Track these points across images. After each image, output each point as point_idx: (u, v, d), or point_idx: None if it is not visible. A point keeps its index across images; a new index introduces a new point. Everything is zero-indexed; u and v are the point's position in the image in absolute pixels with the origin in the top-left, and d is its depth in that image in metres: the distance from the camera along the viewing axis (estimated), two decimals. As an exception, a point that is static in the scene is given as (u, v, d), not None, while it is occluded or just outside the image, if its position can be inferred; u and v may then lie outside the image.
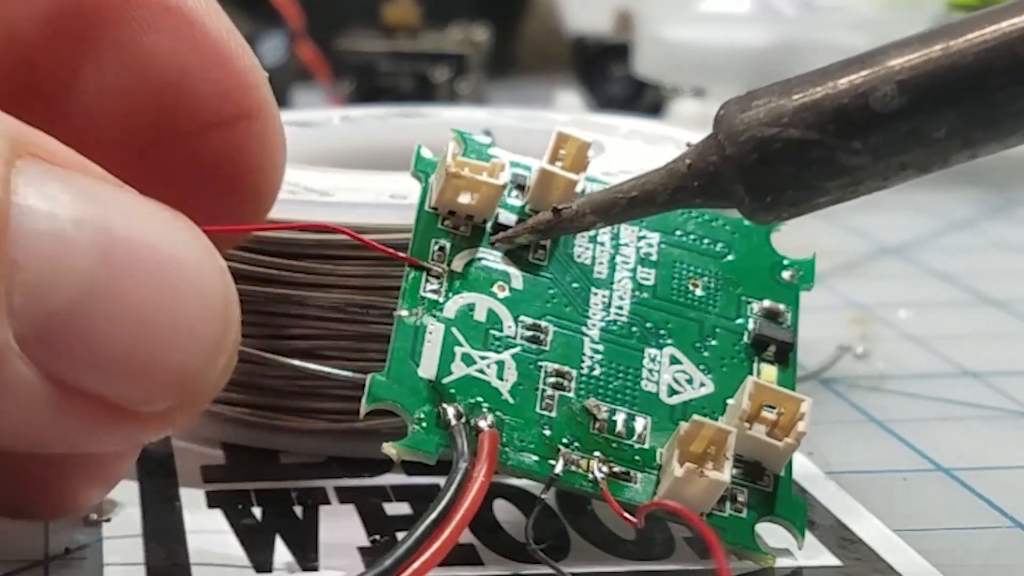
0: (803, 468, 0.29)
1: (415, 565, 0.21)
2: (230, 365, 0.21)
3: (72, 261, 0.19)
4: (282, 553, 0.25)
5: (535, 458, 0.24)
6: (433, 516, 0.22)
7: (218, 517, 0.26)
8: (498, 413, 0.24)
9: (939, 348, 0.36)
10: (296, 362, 0.28)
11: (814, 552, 0.25)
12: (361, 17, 0.66)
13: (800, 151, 0.21)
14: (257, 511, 0.27)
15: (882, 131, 0.21)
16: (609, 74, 0.64)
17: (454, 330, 0.24)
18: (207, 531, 0.26)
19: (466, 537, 0.25)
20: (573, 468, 0.24)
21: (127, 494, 0.27)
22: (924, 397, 0.33)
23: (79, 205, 0.20)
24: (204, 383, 0.21)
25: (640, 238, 0.27)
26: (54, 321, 0.19)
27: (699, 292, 0.26)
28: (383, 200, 0.29)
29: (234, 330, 0.21)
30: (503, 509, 0.26)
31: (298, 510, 0.27)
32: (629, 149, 0.34)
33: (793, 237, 0.31)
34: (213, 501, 0.27)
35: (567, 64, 0.70)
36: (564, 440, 0.24)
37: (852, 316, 0.39)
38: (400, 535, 0.25)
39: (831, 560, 0.25)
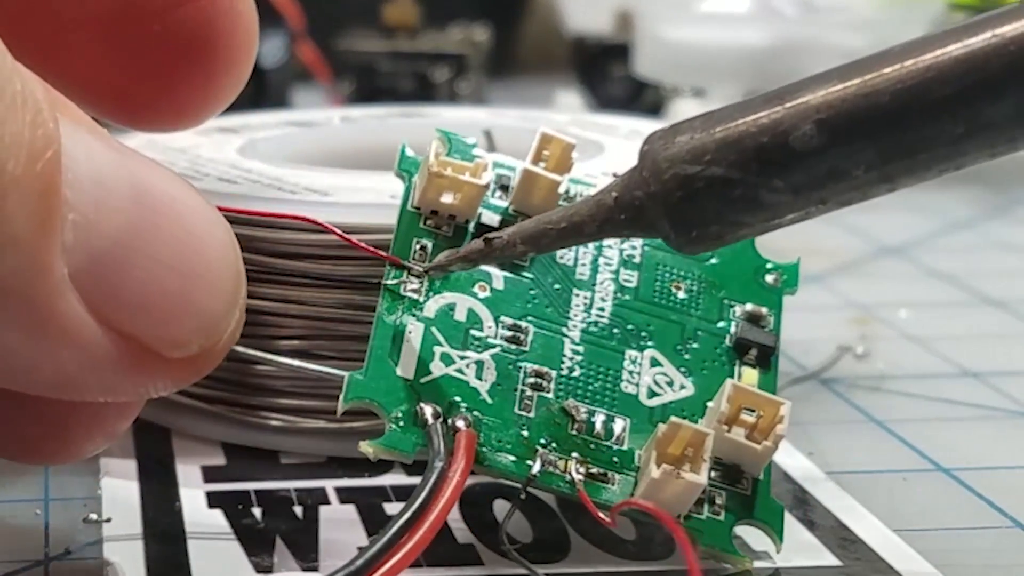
0: (803, 468, 0.29)
1: (388, 565, 0.21)
2: (241, 320, 0.22)
3: (113, 203, 0.20)
4: (282, 553, 0.25)
5: (512, 458, 0.24)
6: (407, 516, 0.22)
7: (218, 517, 0.26)
8: (476, 413, 0.24)
9: (939, 348, 0.36)
10: (295, 362, 0.28)
11: (814, 552, 0.25)
12: (361, 17, 0.66)
13: (722, 189, 0.21)
14: (257, 511, 0.27)
15: (802, 170, 0.21)
16: (609, 74, 0.64)
17: (434, 330, 0.24)
18: (207, 531, 0.26)
19: (466, 537, 0.25)
20: (551, 469, 0.24)
21: (127, 494, 0.27)
22: (924, 397, 0.33)
23: (112, 155, 0.21)
24: (224, 331, 0.22)
25: (624, 240, 0.27)
26: (101, 259, 0.20)
27: (681, 295, 0.26)
28: (383, 200, 0.29)
29: (244, 284, 0.22)
30: (503, 509, 0.26)
31: (298, 510, 0.27)
32: (629, 149, 0.34)
33: (793, 236, 0.31)
34: (213, 501, 0.27)
35: (567, 64, 0.70)
36: (542, 441, 0.24)
37: (852, 316, 0.39)
38: (400, 535, 0.25)
39: (831, 560, 0.25)
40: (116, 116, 0.25)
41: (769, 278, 0.27)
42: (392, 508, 0.27)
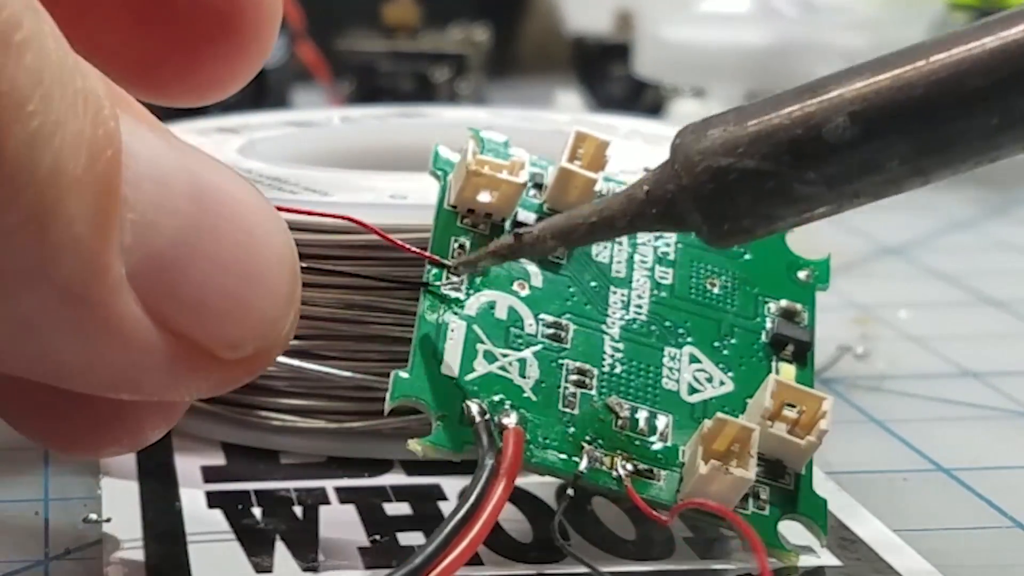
0: (803, 468, 0.29)
1: (445, 562, 0.21)
2: (296, 321, 0.22)
3: (171, 203, 0.20)
4: (282, 553, 0.25)
5: (560, 455, 0.24)
6: (461, 513, 0.22)
7: (218, 517, 0.26)
8: (521, 411, 0.24)
9: (939, 348, 0.36)
10: (296, 362, 0.28)
11: (814, 552, 0.25)
12: (361, 17, 0.66)
13: (755, 181, 0.21)
14: (257, 511, 0.27)
15: (835, 162, 0.21)
16: (609, 74, 0.64)
17: (476, 327, 0.25)
18: (207, 531, 0.26)
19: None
20: (597, 466, 0.24)
21: (127, 494, 0.27)
22: (924, 397, 0.33)
23: (171, 154, 0.20)
24: (280, 332, 0.21)
25: (657, 237, 0.27)
26: (158, 260, 0.20)
27: (716, 291, 0.26)
28: (383, 200, 0.29)
29: (299, 286, 0.22)
30: (503, 509, 0.26)
31: (298, 510, 0.27)
32: (629, 149, 0.34)
33: (792, 237, 0.31)
34: (213, 501, 0.27)
35: (567, 64, 0.70)
36: (587, 438, 0.24)
37: (853, 316, 0.39)
38: (400, 535, 0.25)
39: (831, 560, 0.25)
40: (143, 90, 0.25)
41: (801, 274, 0.27)
42: (392, 508, 0.27)
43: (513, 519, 0.26)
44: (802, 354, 0.26)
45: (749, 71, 0.53)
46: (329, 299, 0.28)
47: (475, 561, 0.25)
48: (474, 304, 0.25)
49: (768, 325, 0.26)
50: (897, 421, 0.31)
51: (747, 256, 0.27)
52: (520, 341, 0.25)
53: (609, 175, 0.27)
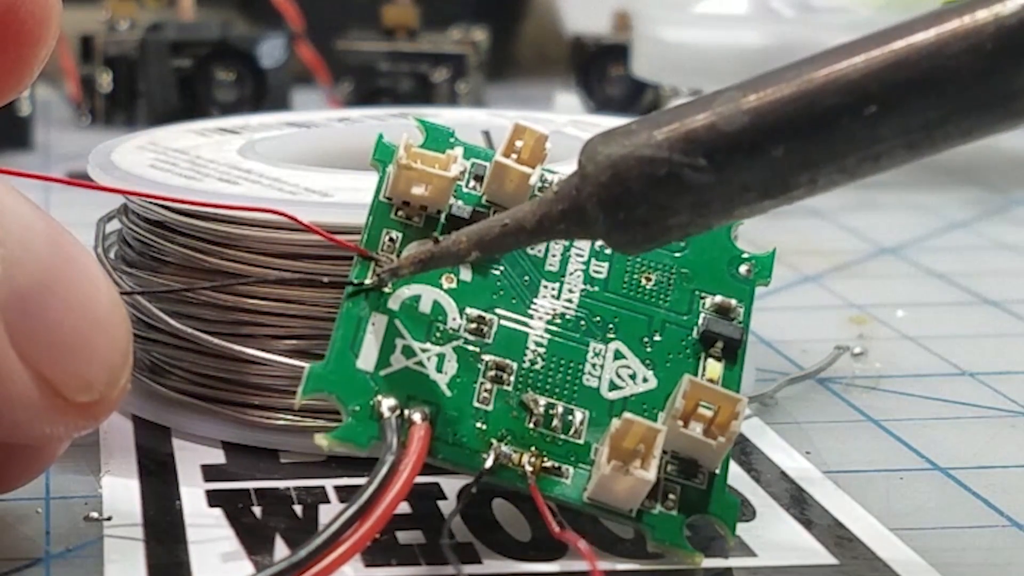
0: (800, 468, 0.29)
1: (330, 558, 0.22)
2: (128, 380, 0.23)
3: (35, 244, 0.22)
4: (282, 552, 0.25)
5: (467, 452, 0.24)
6: (353, 509, 0.22)
7: (218, 516, 0.26)
8: (435, 406, 0.24)
9: (936, 348, 0.36)
10: (295, 362, 0.28)
11: (811, 551, 0.25)
12: (361, 18, 0.66)
13: (648, 167, 0.22)
14: (257, 510, 0.27)
15: (724, 148, 0.22)
16: (607, 75, 0.65)
17: (397, 322, 0.25)
18: (207, 529, 0.26)
19: (464, 536, 0.26)
20: (505, 462, 0.24)
21: (128, 493, 0.27)
22: (921, 397, 0.33)
23: (31, 204, 0.22)
24: (119, 380, 0.23)
25: None
26: (23, 296, 0.21)
27: (651, 286, 0.26)
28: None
29: (132, 344, 0.23)
30: (502, 508, 0.26)
31: (298, 509, 0.27)
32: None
33: (791, 236, 0.31)
34: (213, 500, 0.27)
35: (565, 65, 0.70)
36: (499, 434, 0.24)
37: (850, 316, 0.39)
38: (400, 535, 0.26)
39: (828, 559, 0.25)
40: None
41: (742, 269, 0.27)
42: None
43: (513, 519, 0.26)
44: (731, 352, 0.26)
45: (747, 72, 0.53)
46: (329, 299, 0.28)
47: (474, 559, 0.25)
48: (398, 298, 0.25)
49: (700, 321, 0.26)
50: (894, 420, 0.31)
51: (687, 250, 0.26)
52: (441, 336, 0.25)
53: (549, 167, 0.26)
